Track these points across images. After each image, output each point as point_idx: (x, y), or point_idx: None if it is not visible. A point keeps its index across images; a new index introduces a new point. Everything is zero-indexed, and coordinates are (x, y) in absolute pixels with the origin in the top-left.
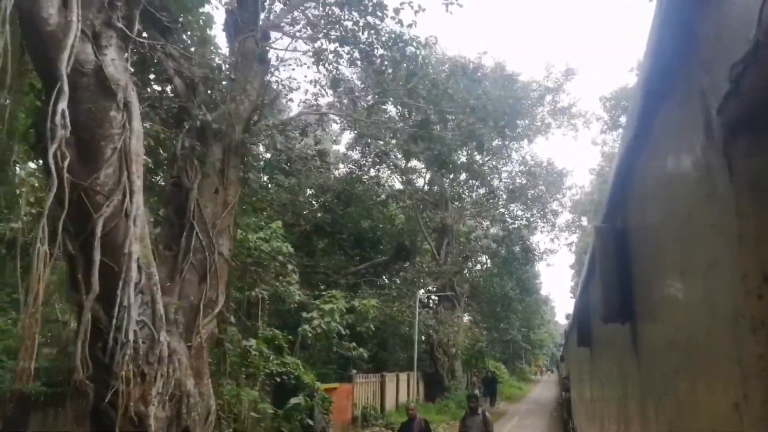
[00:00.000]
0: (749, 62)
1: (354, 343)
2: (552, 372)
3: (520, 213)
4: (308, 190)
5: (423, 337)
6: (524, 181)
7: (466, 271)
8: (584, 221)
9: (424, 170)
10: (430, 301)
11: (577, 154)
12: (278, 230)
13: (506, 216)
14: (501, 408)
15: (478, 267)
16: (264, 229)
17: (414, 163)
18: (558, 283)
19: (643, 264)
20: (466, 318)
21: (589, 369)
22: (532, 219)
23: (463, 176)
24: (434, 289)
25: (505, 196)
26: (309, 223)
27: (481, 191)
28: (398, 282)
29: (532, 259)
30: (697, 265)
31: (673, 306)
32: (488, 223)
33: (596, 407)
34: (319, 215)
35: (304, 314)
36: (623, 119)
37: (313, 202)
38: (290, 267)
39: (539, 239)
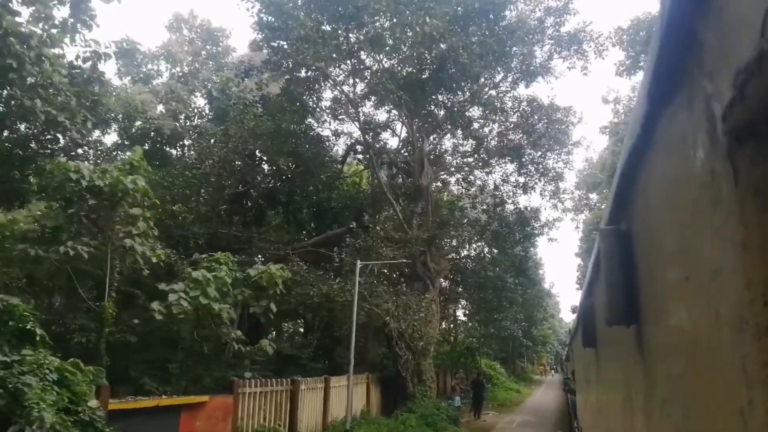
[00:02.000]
0: (753, 70)
1: (239, 332)
2: (556, 371)
3: (515, 177)
4: (245, 143)
5: (379, 325)
6: (520, 135)
7: (448, 245)
8: (593, 197)
9: (397, 121)
10: (402, 285)
11: (586, 107)
12: (141, 163)
13: (496, 172)
14: (489, 420)
15: (473, 252)
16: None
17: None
18: (562, 272)
19: (648, 267)
20: (461, 315)
21: (595, 370)
22: (530, 180)
23: (443, 128)
24: (397, 260)
25: (496, 158)
26: (259, 190)
27: (467, 147)
28: (344, 254)
29: (531, 234)
30: (702, 271)
31: (678, 310)
32: (475, 188)
33: (601, 409)
34: (272, 183)
35: (163, 286)
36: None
37: (264, 167)
38: (139, 212)
39: (537, 202)
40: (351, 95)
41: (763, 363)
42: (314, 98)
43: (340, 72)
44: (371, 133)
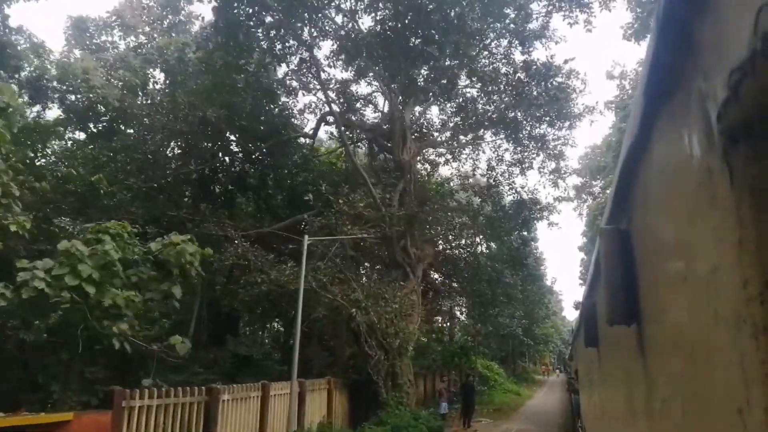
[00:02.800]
0: (747, 70)
1: (124, 325)
2: (560, 371)
3: (510, 155)
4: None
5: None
6: (514, 97)
7: (440, 231)
8: (597, 184)
9: (377, 92)
10: (374, 272)
11: (590, 82)
12: (15, 104)
13: (489, 148)
14: (480, 430)
15: (464, 240)
16: None
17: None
18: (565, 268)
19: (647, 267)
20: (458, 313)
21: (597, 370)
22: (527, 156)
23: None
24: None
25: (488, 132)
26: (228, 174)
27: (456, 119)
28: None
29: (529, 218)
30: (700, 270)
31: (677, 310)
32: (466, 167)
33: (604, 408)
34: (241, 166)
35: (23, 263)
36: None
37: (232, 147)
38: None
39: (535, 181)
40: (309, 44)
41: (761, 362)
42: (264, 39)
43: (300, 24)
44: (345, 104)
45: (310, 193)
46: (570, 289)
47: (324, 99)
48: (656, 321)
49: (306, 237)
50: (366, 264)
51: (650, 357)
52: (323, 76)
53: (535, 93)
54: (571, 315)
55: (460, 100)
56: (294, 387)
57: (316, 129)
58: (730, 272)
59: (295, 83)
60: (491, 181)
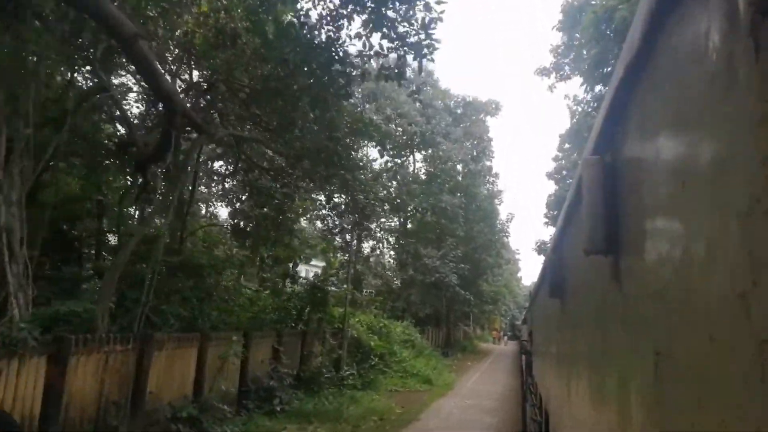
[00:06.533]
0: None
1: None
2: (507, 338)
3: None
4: None
5: None
6: None
7: None
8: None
9: None
10: None
11: None
12: None
13: None
14: None
15: None
16: None
17: None
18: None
19: (634, 191)
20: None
21: (560, 318)
22: None
23: None
24: None
25: None
26: None
27: None
28: None
29: None
30: (703, 168)
31: (669, 223)
32: None
33: (568, 351)
34: None
35: None
36: None
37: None
38: None
39: None
40: None
41: None
42: None
43: None
44: None
45: None
46: (528, 244)
47: None
48: (641, 244)
49: None
50: None
51: (629, 282)
52: None
53: None
54: (528, 279)
55: None
56: None
57: None
58: (743, 158)
59: None
60: None
